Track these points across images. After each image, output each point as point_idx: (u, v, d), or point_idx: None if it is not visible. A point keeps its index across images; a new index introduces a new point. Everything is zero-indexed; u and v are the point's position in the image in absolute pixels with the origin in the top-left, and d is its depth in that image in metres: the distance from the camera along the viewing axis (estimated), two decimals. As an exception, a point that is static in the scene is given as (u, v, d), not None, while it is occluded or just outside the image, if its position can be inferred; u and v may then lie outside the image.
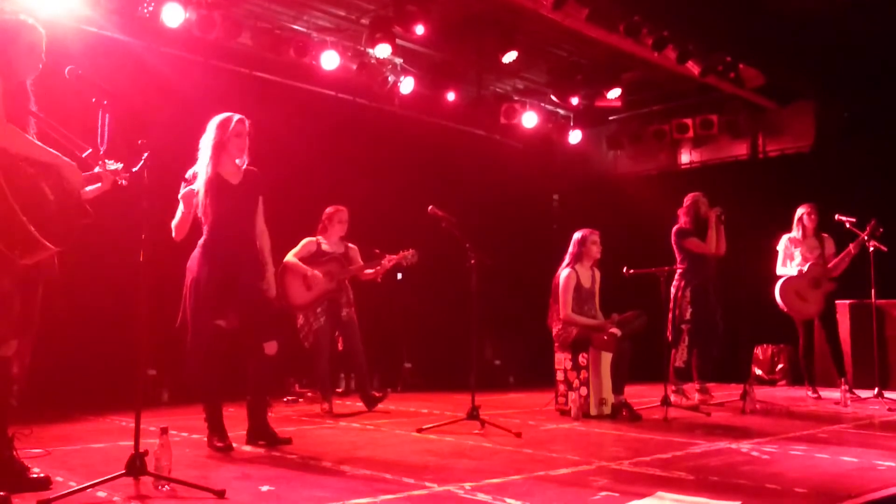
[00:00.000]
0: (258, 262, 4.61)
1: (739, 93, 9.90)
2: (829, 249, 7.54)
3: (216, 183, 4.49)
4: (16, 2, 6.04)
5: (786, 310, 7.48)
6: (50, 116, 3.45)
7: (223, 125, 4.54)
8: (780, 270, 7.61)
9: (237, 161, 4.59)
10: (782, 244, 7.64)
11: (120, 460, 3.29)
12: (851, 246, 7.37)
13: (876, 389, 7.39)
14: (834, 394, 7.23)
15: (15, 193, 3.06)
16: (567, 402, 6.18)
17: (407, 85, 8.92)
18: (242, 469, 3.91)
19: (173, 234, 4.49)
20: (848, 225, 7.50)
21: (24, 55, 3.38)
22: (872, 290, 7.46)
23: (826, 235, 7.60)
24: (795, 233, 7.62)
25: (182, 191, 4.49)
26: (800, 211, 7.64)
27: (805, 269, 7.41)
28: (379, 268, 6.51)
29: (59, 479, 3.45)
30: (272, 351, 4.59)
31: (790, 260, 7.57)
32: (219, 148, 4.52)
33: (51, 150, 3.28)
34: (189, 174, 4.56)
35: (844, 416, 6.28)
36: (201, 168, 4.53)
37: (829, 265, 7.44)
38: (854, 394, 7.26)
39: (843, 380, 7.22)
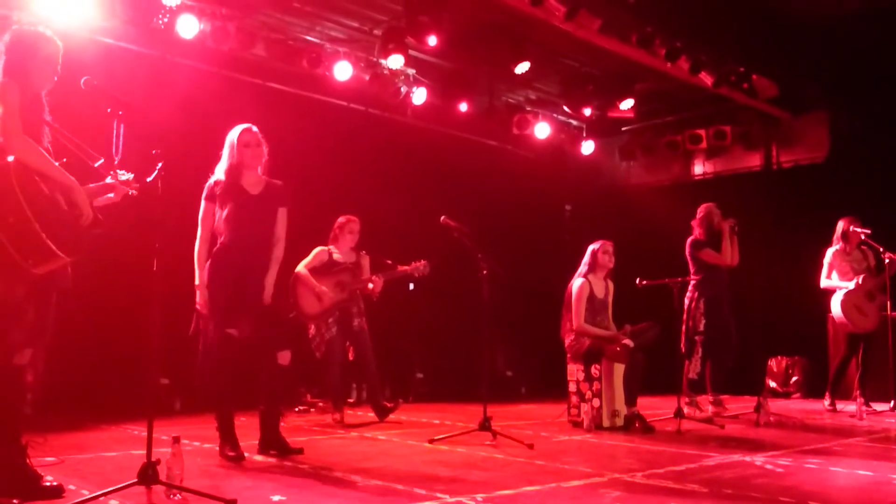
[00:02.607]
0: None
1: (753, 103, 9.87)
2: (872, 261, 7.51)
3: (234, 193, 4.53)
4: (33, 13, 6.11)
5: (846, 323, 7.38)
6: (65, 126, 3.48)
7: (231, 138, 4.59)
8: (825, 283, 7.54)
9: (258, 171, 4.62)
10: (828, 257, 7.56)
11: (132, 469, 3.30)
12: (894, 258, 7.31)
13: (892, 402, 7.32)
14: (849, 406, 7.17)
15: (30, 203, 3.08)
16: (579, 414, 6.15)
17: (419, 95, 8.94)
18: (254, 479, 3.91)
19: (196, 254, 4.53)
20: (863, 237, 7.45)
21: (42, 67, 3.42)
22: (888, 303, 7.40)
23: (866, 248, 7.55)
24: (840, 246, 7.55)
25: (202, 210, 4.54)
26: (841, 225, 7.57)
27: (860, 280, 7.34)
28: (374, 286, 6.44)
29: (71, 487, 3.46)
30: (286, 361, 4.60)
31: (837, 273, 7.49)
32: (230, 160, 4.56)
33: (64, 171, 3.30)
34: (209, 185, 4.59)
35: (859, 429, 6.23)
36: (217, 180, 4.58)
37: (880, 277, 7.39)
38: (869, 407, 7.20)
39: (858, 392, 7.16)
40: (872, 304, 7.38)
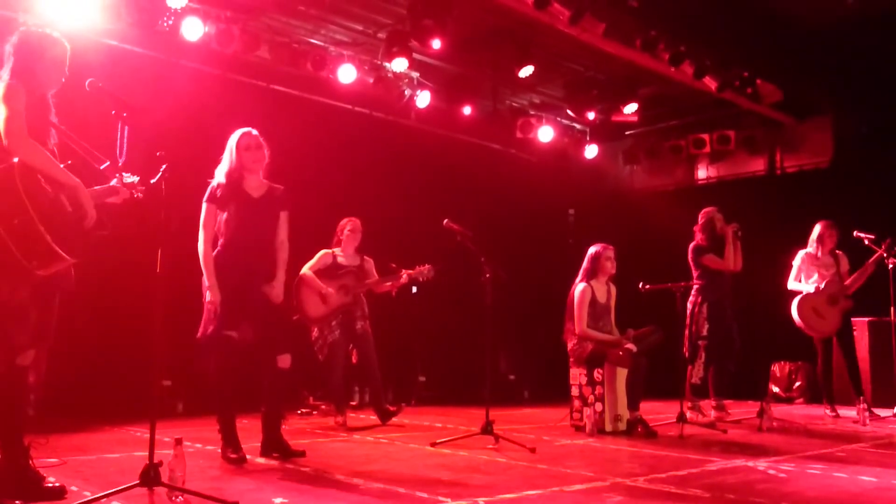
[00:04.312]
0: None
1: (757, 108, 9.86)
2: (844, 266, 7.46)
3: (236, 196, 4.54)
4: (38, 16, 6.13)
5: (803, 327, 7.38)
6: (70, 128, 3.49)
7: (231, 142, 4.60)
8: (791, 285, 7.51)
9: (259, 174, 4.63)
10: (798, 260, 7.55)
11: (134, 471, 3.30)
12: (868, 263, 7.29)
13: (895, 408, 7.29)
14: (852, 412, 7.15)
15: (34, 204, 3.08)
16: (582, 418, 6.15)
17: (423, 99, 8.95)
18: (256, 481, 3.92)
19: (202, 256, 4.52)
20: (866, 241, 7.42)
21: (49, 68, 3.44)
22: (892, 308, 7.37)
23: (840, 253, 7.52)
24: (811, 249, 7.53)
25: (204, 212, 4.55)
26: (818, 228, 7.54)
27: (822, 285, 7.32)
28: (394, 282, 6.51)
29: (73, 488, 3.46)
30: (285, 364, 4.60)
31: (805, 276, 7.48)
32: (231, 164, 4.57)
33: (68, 173, 3.30)
34: (212, 187, 4.59)
35: (863, 434, 6.22)
36: (218, 182, 4.58)
37: (846, 282, 7.35)
38: (873, 412, 7.17)
39: (861, 398, 7.13)
40: (834, 308, 7.30)
